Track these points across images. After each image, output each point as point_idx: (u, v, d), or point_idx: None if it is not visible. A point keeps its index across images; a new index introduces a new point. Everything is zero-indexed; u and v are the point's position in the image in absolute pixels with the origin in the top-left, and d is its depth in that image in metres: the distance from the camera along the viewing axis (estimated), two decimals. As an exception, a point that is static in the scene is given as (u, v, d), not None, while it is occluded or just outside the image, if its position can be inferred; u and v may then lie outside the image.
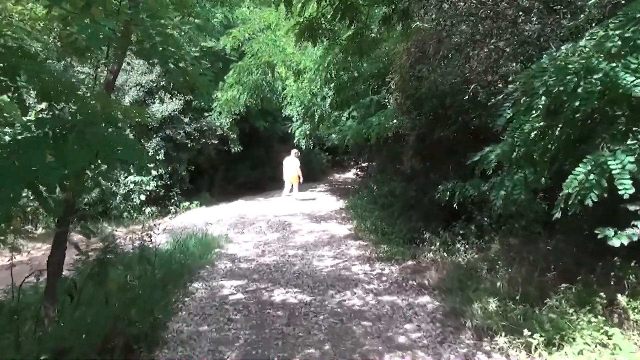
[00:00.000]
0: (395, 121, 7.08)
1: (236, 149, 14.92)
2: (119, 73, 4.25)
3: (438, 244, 7.08)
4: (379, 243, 8.40)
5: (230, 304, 5.69)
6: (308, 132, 12.06)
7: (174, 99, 12.78)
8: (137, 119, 4.93)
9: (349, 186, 17.84)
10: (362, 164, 12.47)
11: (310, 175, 19.94)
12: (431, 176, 7.74)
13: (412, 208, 8.19)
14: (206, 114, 14.07)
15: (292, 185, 14.15)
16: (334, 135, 17.42)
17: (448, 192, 6.42)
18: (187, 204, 13.96)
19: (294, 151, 14.05)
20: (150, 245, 6.98)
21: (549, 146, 3.62)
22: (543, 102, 3.58)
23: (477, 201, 6.70)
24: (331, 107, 8.70)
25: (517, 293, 4.54)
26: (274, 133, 18.56)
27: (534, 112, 3.63)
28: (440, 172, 7.75)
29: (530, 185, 3.58)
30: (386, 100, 7.63)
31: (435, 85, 7.25)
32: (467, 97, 6.64)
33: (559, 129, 3.68)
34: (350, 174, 23.43)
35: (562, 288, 4.24)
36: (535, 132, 3.77)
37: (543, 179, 3.62)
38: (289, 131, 15.49)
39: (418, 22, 6.33)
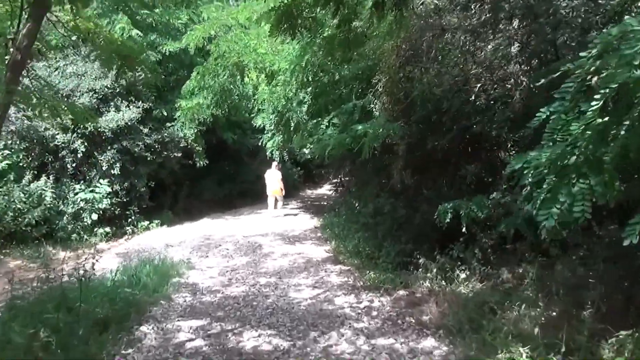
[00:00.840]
0: (382, 129, 6.10)
1: (202, 162, 13.68)
2: (29, 50, 3.14)
3: (435, 270, 6.08)
4: (364, 268, 7.37)
5: (187, 354, 4.48)
6: (281, 144, 10.94)
7: (131, 107, 11.49)
8: (66, 116, 3.80)
9: (323, 202, 16.83)
10: (343, 178, 11.41)
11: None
12: (423, 191, 6.78)
13: (400, 228, 7.19)
14: (168, 124, 12.82)
15: (276, 199, 13.70)
16: (306, 150, 16.43)
17: (449, 213, 5.49)
18: (146, 223, 12.59)
19: (274, 163, 13.67)
20: (95, 275, 5.76)
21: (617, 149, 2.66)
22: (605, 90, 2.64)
23: (479, 220, 5.77)
24: (308, 114, 7.66)
25: (557, 341, 3.53)
26: (243, 146, 17.45)
27: (594, 103, 2.67)
28: (434, 187, 6.81)
29: (598, 200, 2.61)
30: (372, 106, 6.67)
31: (429, 88, 6.34)
32: (470, 99, 5.76)
33: (625, 126, 2.74)
34: (323, 190, 22.44)
35: (621, 335, 3.27)
36: (592, 130, 2.81)
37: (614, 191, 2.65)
38: (260, 144, 14.40)
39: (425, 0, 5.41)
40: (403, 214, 6.83)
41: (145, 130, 12.02)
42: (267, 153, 13.54)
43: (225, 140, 15.38)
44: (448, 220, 5.45)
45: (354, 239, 8.35)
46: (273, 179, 13.43)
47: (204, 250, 9.64)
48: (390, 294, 6.23)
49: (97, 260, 5.78)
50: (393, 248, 7.05)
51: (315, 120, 7.19)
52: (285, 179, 19.41)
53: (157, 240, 10.96)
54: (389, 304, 5.87)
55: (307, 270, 7.77)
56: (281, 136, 9.48)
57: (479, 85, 5.95)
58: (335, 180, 15.45)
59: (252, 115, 13.57)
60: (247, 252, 9.39)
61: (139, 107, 11.49)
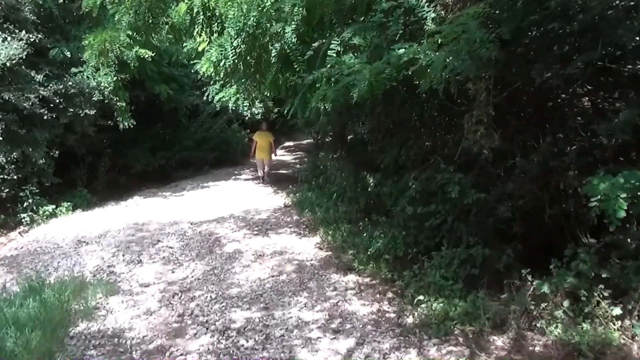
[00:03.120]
0: (457, 49, 3.20)
1: (127, 124, 10.11)
2: None
3: (566, 303, 3.38)
4: (399, 284, 4.59)
5: None
6: (250, 89, 7.45)
7: (11, 41, 7.71)
8: None
9: (283, 171, 13.88)
10: (350, 137, 8.20)
11: (229, 160, 15.75)
12: (516, 159, 3.99)
13: (459, 219, 4.41)
14: (74, 69, 9.12)
15: (264, 164, 12.03)
16: (255, 110, 13.17)
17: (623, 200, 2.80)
18: (50, 208, 8.94)
19: (264, 124, 12.44)
20: None
21: None
22: None
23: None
24: (299, 37, 4.56)
25: None
26: (181, 104, 13.94)
27: None
28: (531, 153, 4.04)
29: None
30: (423, 10, 3.71)
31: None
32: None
33: None
34: (277, 157, 19.30)
35: None
36: None
37: None
38: (205, 99, 11.05)
39: None
40: (479, 198, 4.03)
41: (39, 78, 8.31)
42: (231, 106, 10.29)
43: (157, 96, 11.84)
44: (623, 214, 2.80)
45: (369, 235, 5.49)
46: (264, 141, 11.70)
47: (134, 251, 6.48)
48: (482, 345, 3.49)
49: None
50: (454, 253, 4.27)
51: (317, 43, 4.17)
52: (231, 144, 16.37)
53: (66, 233, 7.61)
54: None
55: (305, 289, 4.88)
56: (244, 79, 6.21)
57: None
58: (292, 145, 12.64)
59: (192, 62, 10.15)
60: (200, 252, 6.34)
61: (22, 40, 7.72)
